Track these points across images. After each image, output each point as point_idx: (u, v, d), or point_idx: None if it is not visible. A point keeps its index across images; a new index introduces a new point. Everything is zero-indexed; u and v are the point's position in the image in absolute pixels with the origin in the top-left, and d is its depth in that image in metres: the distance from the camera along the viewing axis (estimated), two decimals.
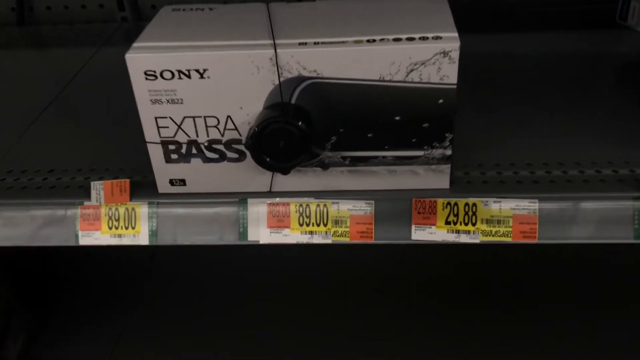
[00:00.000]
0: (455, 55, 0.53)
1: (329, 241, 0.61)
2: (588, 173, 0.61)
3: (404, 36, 0.54)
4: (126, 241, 0.63)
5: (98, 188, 0.63)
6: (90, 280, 1.16)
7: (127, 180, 0.63)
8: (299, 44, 0.54)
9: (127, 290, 1.14)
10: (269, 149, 0.57)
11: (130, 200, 0.63)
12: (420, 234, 0.60)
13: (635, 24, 0.90)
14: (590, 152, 0.64)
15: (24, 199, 0.65)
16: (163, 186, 0.63)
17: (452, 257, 1.15)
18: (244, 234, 0.62)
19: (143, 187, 0.64)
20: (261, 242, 0.62)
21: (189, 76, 0.56)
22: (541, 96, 0.76)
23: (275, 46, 0.54)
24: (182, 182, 0.63)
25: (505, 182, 0.61)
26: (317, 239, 0.62)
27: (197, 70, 0.55)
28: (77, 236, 0.63)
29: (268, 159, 0.57)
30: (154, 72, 0.56)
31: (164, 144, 0.60)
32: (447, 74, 0.54)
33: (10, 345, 0.97)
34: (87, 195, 0.63)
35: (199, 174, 0.62)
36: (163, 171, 0.62)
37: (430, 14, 0.58)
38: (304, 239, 0.62)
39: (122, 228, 0.63)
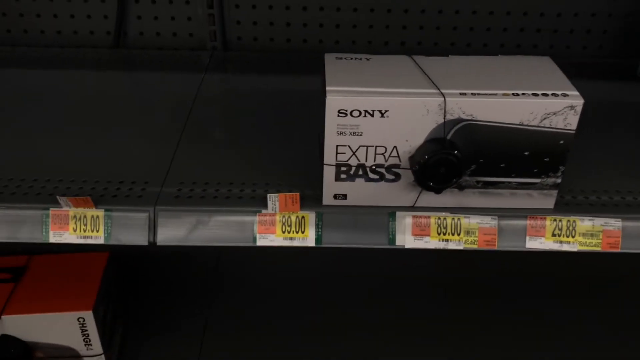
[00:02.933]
0: (579, 109, 0.70)
1: (461, 247, 0.78)
2: None
3: (540, 92, 0.71)
4: (296, 243, 0.77)
5: (274, 199, 0.77)
6: (163, 281, 1.27)
7: (298, 194, 0.77)
8: (460, 94, 0.71)
9: (201, 290, 1.26)
10: (432, 174, 0.73)
11: (300, 209, 0.77)
12: (533, 243, 0.78)
13: None
14: None
15: (205, 206, 0.78)
16: (328, 199, 0.78)
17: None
18: (392, 239, 0.78)
19: (305, 199, 0.78)
20: (406, 246, 0.78)
21: (372, 115, 0.71)
22: (588, 138, 0.94)
23: (444, 95, 0.70)
24: (344, 196, 0.78)
25: (593, 204, 0.80)
26: (452, 246, 0.78)
27: (380, 111, 0.71)
28: (255, 238, 0.77)
29: (430, 182, 0.73)
30: (346, 110, 0.71)
31: (338, 166, 0.75)
32: (570, 122, 0.71)
33: (115, 345, 1.07)
34: (263, 205, 0.77)
35: (360, 191, 0.77)
36: (331, 187, 0.77)
37: (548, 72, 0.76)
38: (441, 245, 0.78)
39: (293, 232, 0.77)
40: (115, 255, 1.08)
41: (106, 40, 1.23)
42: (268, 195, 0.77)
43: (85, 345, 0.97)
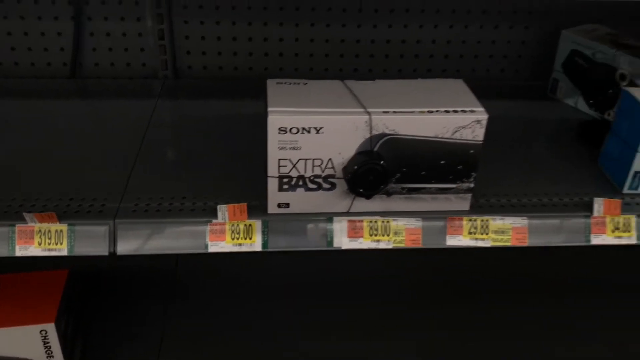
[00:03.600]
0: (484, 123, 0.82)
1: (390, 247, 0.88)
2: (547, 200, 0.93)
3: (451, 109, 0.83)
4: (245, 248, 0.86)
5: (223, 210, 0.86)
6: (123, 294, 1.33)
7: (245, 204, 0.86)
8: (383, 112, 0.82)
9: (159, 300, 1.32)
10: (361, 182, 0.83)
11: (247, 218, 0.86)
12: (452, 241, 0.89)
13: (562, 97, 1.26)
14: (549, 188, 0.97)
15: (160, 218, 0.86)
16: (272, 208, 0.87)
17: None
18: (330, 242, 0.88)
19: (252, 209, 0.87)
20: (342, 248, 0.88)
21: (309, 132, 0.81)
22: (502, 149, 1.07)
23: (370, 114, 0.81)
24: (287, 205, 0.87)
25: (504, 205, 0.92)
26: (382, 245, 0.88)
27: (315, 128, 0.81)
28: (206, 245, 0.86)
29: (360, 189, 0.83)
30: (286, 128, 0.81)
31: (280, 178, 0.85)
32: (477, 134, 0.83)
33: (76, 357, 1.12)
34: (213, 216, 0.86)
35: (300, 199, 0.87)
36: (275, 197, 0.86)
37: (461, 92, 0.88)
38: (373, 245, 0.88)
39: (242, 239, 0.86)
40: (76, 272, 1.14)
41: (63, 71, 1.30)
42: (218, 206, 0.86)
43: (47, 357, 1.02)
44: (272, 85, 0.90)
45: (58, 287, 1.07)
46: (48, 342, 1.01)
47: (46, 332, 1.00)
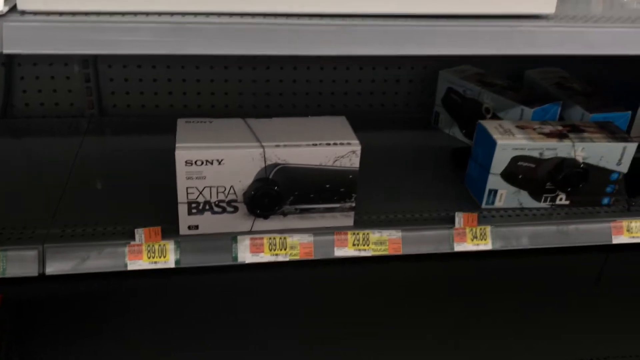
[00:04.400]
0: (359, 152, 1.00)
1: (287, 259, 1.04)
2: (419, 215, 1.12)
3: (332, 142, 1.00)
4: (160, 266, 1.00)
5: (140, 232, 0.99)
6: (56, 316, 1.42)
7: (159, 227, 1.00)
8: (275, 145, 0.98)
9: (90, 320, 1.42)
10: (259, 204, 0.99)
11: (162, 239, 1.00)
12: (340, 252, 1.05)
13: (443, 127, 1.46)
14: (422, 205, 1.15)
15: (85, 242, 0.99)
16: (183, 230, 1.01)
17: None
18: (235, 257, 1.02)
19: (166, 231, 1.01)
20: (246, 262, 1.03)
21: (212, 163, 0.96)
22: (385, 173, 1.26)
23: (263, 147, 0.97)
24: (196, 227, 1.01)
25: (383, 221, 1.09)
26: (280, 259, 1.04)
27: (217, 160, 0.96)
28: (126, 264, 0.99)
29: (258, 210, 0.99)
30: (191, 161, 0.96)
31: (189, 203, 0.99)
32: (354, 162, 1.01)
33: None
34: (132, 238, 0.99)
35: (208, 222, 1.01)
36: (185, 220, 1.00)
37: (341, 127, 1.06)
38: (272, 259, 1.03)
39: (157, 257, 1.00)
40: (8, 298, 1.24)
41: None
42: (135, 230, 0.99)
43: None
44: (181, 123, 1.04)
45: None
46: None
47: None
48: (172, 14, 0.84)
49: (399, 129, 1.48)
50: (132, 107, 1.46)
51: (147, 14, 0.83)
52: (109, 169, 1.23)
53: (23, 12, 0.81)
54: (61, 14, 0.81)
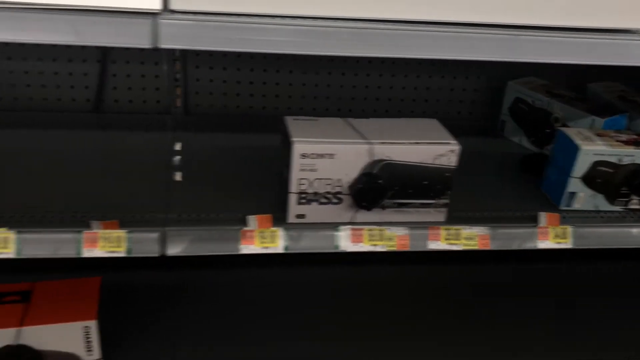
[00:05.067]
0: (457, 152, 1.07)
1: (385, 250, 1.11)
2: (503, 214, 1.19)
3: (432, 141, 1.08)
4: (270, 251, 1.07)
5: (253, 219, 1.06)
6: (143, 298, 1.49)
7: (270, 215, 1.07)
8: (381, 142, 1.06)
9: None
10: (364, 197, 1.06)
11: (273, 226, 1.07)
12: (433, 245, 1.12)
13: (509, 135, 1.54)
14: (502, 205, 1.22)
15: (200, 226, 1.06)
16: (291, 218, 1.08)
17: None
18: (337, 246, 1.09)
19: (276, 219, 1.09)
20: (347, 250, 1.10)
21: (324, 157, 1.04)
22: (462, 175, 1.33)
23: (371, 144, 1.05)
24: (303, 216, 1.09)
25: (472, 218, 1.16)
26: (378, 249, 1.11)
27: (329, 154, 1.04)
28: (239, 248, 1.06)
29: (363, 203, 1.06)
30: (307, 153, 1.03)
31: (299, 193, 1.06)
32: (452, 161, 1.08)
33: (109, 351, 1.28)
34: (244, 224, 1.06)
35: (314, 211, 1.08)
36: (294, 209, 1.08)
37: (436, 128, 1.13)
38: (371, 248, 1.11)
39: (268, 243, 1.07)
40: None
41: (86, 106, 1.48)
42: (247, 216, 1.07)
43: (87, 352, 1.18)
44: (290, 120, 1.12)
45: (94, 290, 1.23)
46: (89, 338, 1.17)
47: (88, 329, 1.16)
48: (306, 17, 0.92)
49: (467, 136, 1.54)
50: (214, 107, 1.54)
51: (283, 17, 0.92)
52: (204, 162, 1.30)
53: (173, 11, 0.89)
54: (208, 14, 0.90)
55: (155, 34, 0.87)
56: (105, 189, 1.16)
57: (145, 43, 0.87)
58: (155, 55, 1.46)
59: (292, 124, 1.11)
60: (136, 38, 0.87)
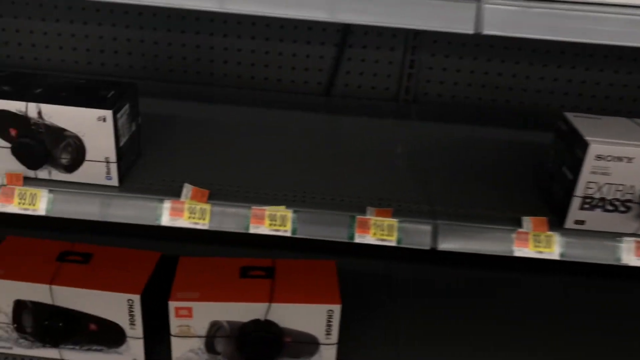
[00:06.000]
0: None
1: None
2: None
3: None
4: (544, 256, 1.00)
5: (528, 221, 1.00)
6: None
7: (546, 218, 1.00)
8: None
9: None
10: None
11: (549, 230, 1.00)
12: None
13: None
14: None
15: (471, 223, 1.01)
16: (569, 223, 1.01)
17: None
18: (618, 258, 1.00)
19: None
20: (630, 264, 1.00)
21: (621, 160, 0.95)
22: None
23: None
24: (582, 222, 1.00)
25: None
26: None
27: (627, 157, 0.95)
28: (512, 250, 1.00)
29: None
30: (602, 155, 0.94)
31: (584, 198, 0.98)
32: None
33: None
34: (517, 224, 1.00)
35: (595, 218, 1.00)
36: (574, 214, 1.00)
37: None
38: None
39: (542, 247, 1.00)
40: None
41: (317, 88, 1.48)
42: (522, 217, 1.00)
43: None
44: (572, 117, 1.04)
45: (333, 274, 1.23)
46: (331, 322, 1.16)
47: (332, 312, 1.16)
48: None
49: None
50: (442, 97, 1.49)
51: (613, 5, 0.84)
52: (453, 154, 1.26)
53: None
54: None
55: (479, 20, 0.82)
56: (354, 176, 1.14)
57: (468, 28, 0.83)
58: (393, 40, 1.43)
59: (577, 122, 1.02)
60: (459, 23, 0.83)
